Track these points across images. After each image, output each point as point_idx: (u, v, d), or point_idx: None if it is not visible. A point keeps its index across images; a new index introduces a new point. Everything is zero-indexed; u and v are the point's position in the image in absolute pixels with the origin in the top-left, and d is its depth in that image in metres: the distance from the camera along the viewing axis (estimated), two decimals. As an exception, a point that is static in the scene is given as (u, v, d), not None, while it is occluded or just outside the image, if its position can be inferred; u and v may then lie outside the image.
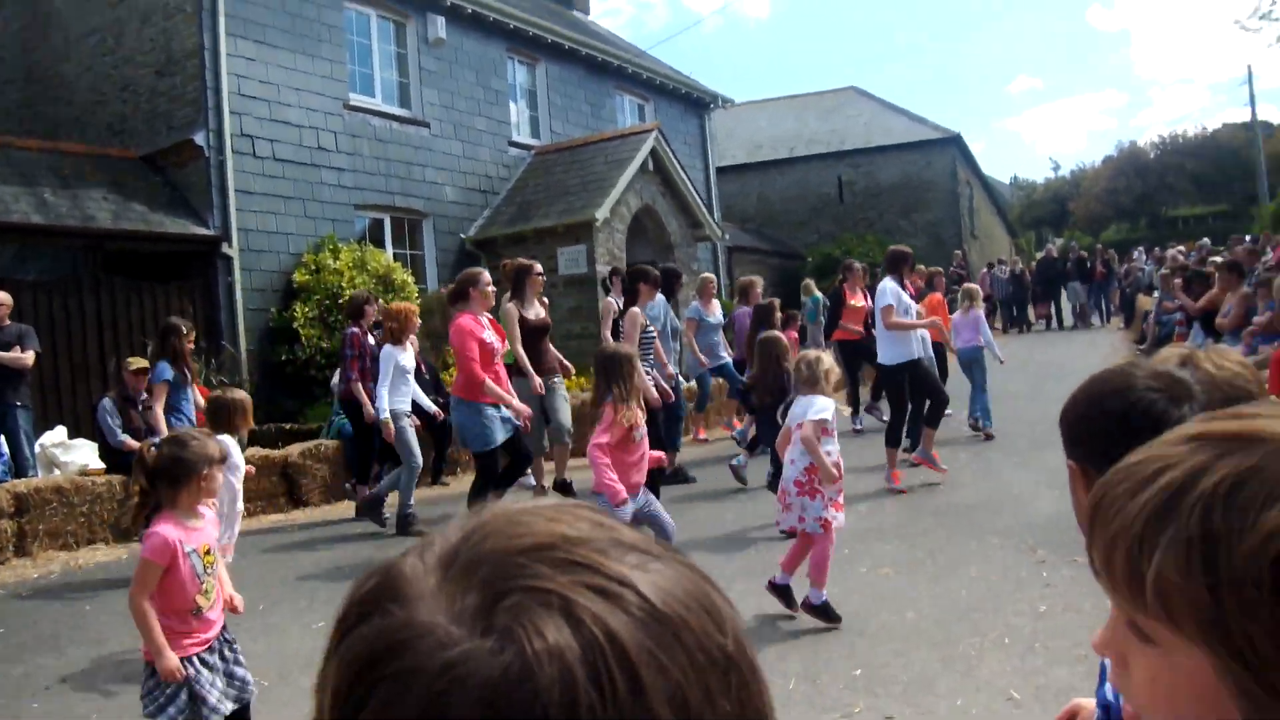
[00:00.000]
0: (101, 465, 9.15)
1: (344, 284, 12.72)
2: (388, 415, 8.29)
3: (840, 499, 5.66)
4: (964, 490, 8.65)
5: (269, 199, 13.24)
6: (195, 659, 3.80)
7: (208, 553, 3.89)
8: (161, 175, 13.06)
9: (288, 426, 11.61)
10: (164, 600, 3.76)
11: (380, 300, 10.07)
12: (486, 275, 8.11)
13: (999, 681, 4.50)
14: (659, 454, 6.36)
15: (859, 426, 12.20)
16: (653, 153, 16.51)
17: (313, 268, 13.04)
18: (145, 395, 9.18)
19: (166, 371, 8.27)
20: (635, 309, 9.12)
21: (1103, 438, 1.28)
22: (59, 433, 9.90)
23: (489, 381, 7.56)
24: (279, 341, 12.82)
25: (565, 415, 9.00)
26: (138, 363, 9.39)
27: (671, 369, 9.72)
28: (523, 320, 8.64)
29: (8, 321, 9.11)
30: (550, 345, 9.07)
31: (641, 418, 5.94)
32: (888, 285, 9.31)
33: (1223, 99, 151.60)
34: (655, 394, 7.85)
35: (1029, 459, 9.38)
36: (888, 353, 9.20)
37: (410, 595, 0.55)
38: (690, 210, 17.63)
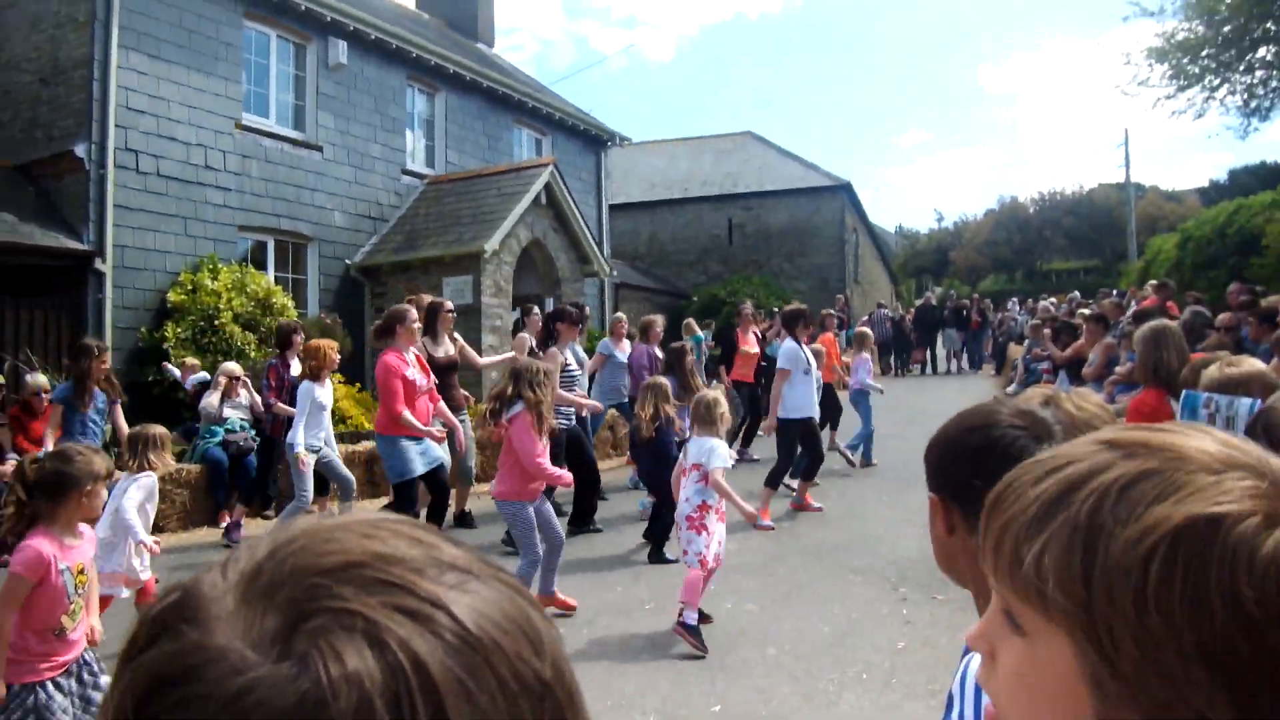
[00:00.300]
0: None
1: (221, 305, 12.50)
2: (301, 450, 8.24)
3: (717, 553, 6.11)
4: (830, 528, 8.84)
5: (149, 215, 12.94)
6: (49, 683, 3.63)
7: (81, 572, 3.74)
8: (35, 186, 12.65)
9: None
10: (26, 617, 3.59)
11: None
12: (414, 313, 8.27)
13: (857, 717, 4.66)
14: (568, 476, 6.85)
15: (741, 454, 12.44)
16: (547, 187, 16.59)
17: (189, 288, 12.77)
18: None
19: (64, 392, 8.26)
20: (554, 349, 9.21)
21: (965, 471, 1.32)
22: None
23: (407, 414, 7.71)
24: (148, 362, 12.49)
25: (471, 454, 9.45)
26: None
27: (595, 405, 9.93)
28: (431, 359, 8.77)
29: None
30: (457, 381, 9.32)
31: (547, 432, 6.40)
32: (786, 347, 9.74)
33: (1100, 159, 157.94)
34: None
35: (896, 498, 9.67)
36: (789, 406, 9.45)
37: (206, 616, 0.52)
38: (580, 246, 17.75)
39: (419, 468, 7.82)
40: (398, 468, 7.79)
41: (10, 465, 8.65)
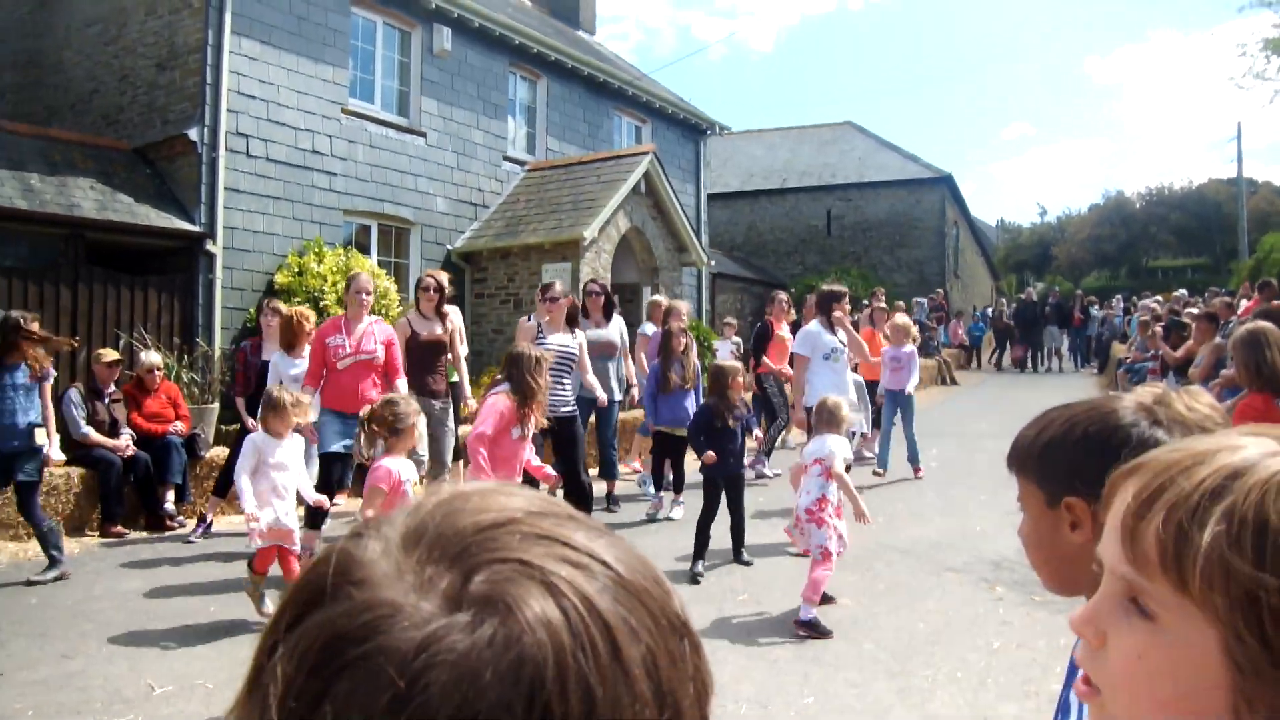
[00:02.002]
0: (62, 457, 9.05)
1: (326, 288, 12.67)
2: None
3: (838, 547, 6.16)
4: (927, 525, 8.73)
5: (258, 199, 13.17)
6: None
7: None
8: (151, 168, 12.97)
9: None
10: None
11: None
12: (361, 280, 7.91)
13: (950, 715, 4.60)
14: (550, 473, 6.61)
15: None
16: (646, 175, 16.52)
17: (295, 270, 12.97)
18: (112, 388, 9.16)
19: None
20: (528, 321, 8.92)
21: (1089, 461, 1.27)
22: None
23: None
24: (255, 342, 12.72)
25: (447, 447, 8.76)
26: (109, 355, 9.38)
27: (602, 395, 9.25)
28: (414, 335, 8.47)
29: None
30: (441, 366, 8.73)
31: (531, 424, 6.28)
32: (803, 330, 9.27)
33: (1210, 154, 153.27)
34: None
35: (993, 497, 9.38)
36: (810, 395, 8.79)
37: (369, 577, 0.53)
38: (678, 235, 17.65)
39: (331, 443, 7.45)
40: (320, 440, 7.58)
41: (128, 440, 8.87)
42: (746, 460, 8.66)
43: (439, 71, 15.94)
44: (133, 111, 13.55)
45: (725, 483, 7.29)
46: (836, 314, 9.26)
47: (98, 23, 14.08)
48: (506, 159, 17.34)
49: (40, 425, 7.14)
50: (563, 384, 8.26)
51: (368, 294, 7.90)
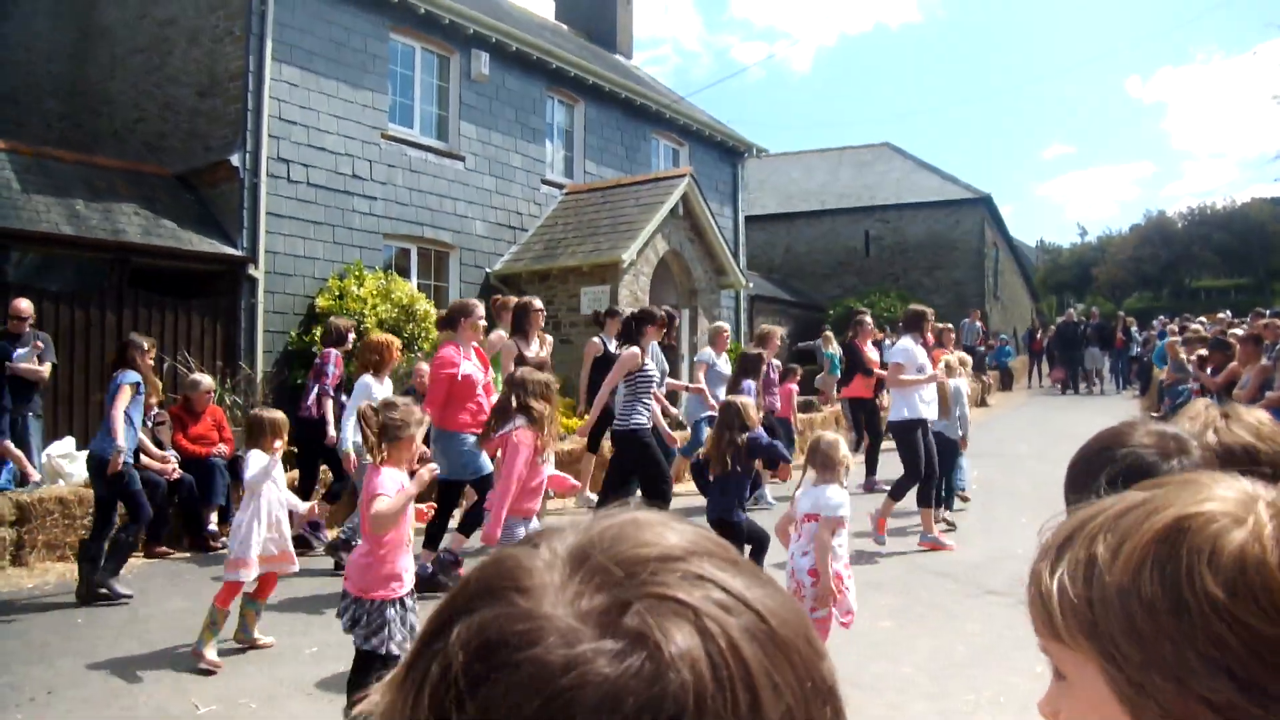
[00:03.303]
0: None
1: (366, 311, 12.71)
2: (350, 448, 8.15)
3: (846, 616, 5.19)
4: (968, 547, 8.63)
5: (299, 223, 13.27)
6: (397, 602, 4.45)
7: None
8: (194, 194, 13.10)
9: (295, 450, 11.55)
10: (399, 536, 4.51)
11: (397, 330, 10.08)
12: (480, 308, 8.13)
13: None
14: (573, 482, 6.60)
15: (870, 484, 11.61)
16: (684, 198, 16.52)
17: (336, 293, 13.04)
18: (156, 411, 9.21)
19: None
20: (634, 349, 8.34)
21: (1098, 489, 1.25)
22: (67, 443, 9.87)
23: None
24: (295, 365, 12.79)
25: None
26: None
27: (674, 410, 9.43)
28: (521, 358, 8.56)
29: (27, 330, 9.13)
30: None
31: (550, 446, 5.94)
32: (899, 345, 9.34)
33: (1253, 174, 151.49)
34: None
35: (1034, 519, 9.16)
36: (897, 411, 9.00)
37: (534, 586, 0.55)
38: (717, 257, 17.61)
39: (488, 465, 7.49)
40: (470, 463, 7.49)
41: (173, 463, 8.90)
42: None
43: (477, 96, 16.03)
44: (175, 138, 13.70)
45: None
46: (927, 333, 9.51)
47: (141, 51, 14.28)
48: (545, 182, 17.39)
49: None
50: (645, 403, 8.24)
51: (483, 319, 8.24)
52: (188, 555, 8.69)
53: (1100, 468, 1.33)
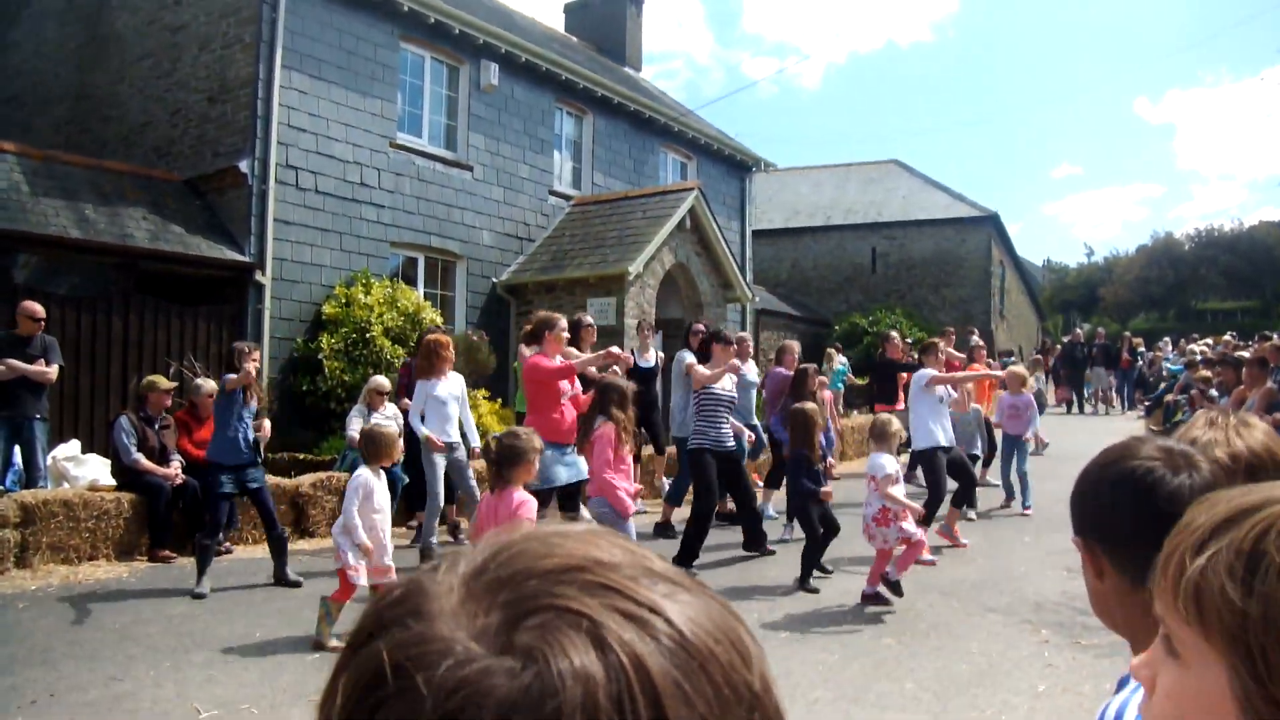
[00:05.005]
0: (112, 482, 9.12)
1: (373, 319, 12.71)
2: (426, 430, 8.34)
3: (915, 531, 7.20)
4: (971, 566, 8.62)
5: (307, 230, 13.28)
6: None
7: None
8: (202, 200, 13.11)
9: (301, 456, 11.58)
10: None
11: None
12: (563, 321, 8.46)
13: None
14: (628, 504, 7.03)
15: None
16: (691, 211, 16.52)
17: (343, 301, 13.04)
18: (164, 415, 9.20)
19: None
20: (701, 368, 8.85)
21: (1104, 507, 1.32)
22: (72, 446, 9.89)
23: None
24: (302, 372, 12.80)
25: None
26: (164, 383, 9.42)
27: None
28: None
29: (38, 333, 9.12)
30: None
31: (627, 441, 6.94)
32: (921, 371, 9.82)
33: (1261, 196, 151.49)
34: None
35: (1038, 538, 9.40)
36: (917, 441, 9.49)
37: (431, 611, 0.53)
38: (723, 271, 17.59)
39: (562, 477, 7.64)
40: (542, 472, 7.35)
41: (177, 467, 8.90)
42: None
43: (486, 106, 16.05)
44: (184, 144, 13.72)
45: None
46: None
47: (150, 57, 14.31)
48: (552, 193, 17.40)
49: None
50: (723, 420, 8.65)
51: (566, 332, 8.57)
52: (191, 560, 8.62)
53: (1107, 485, 1.33)
